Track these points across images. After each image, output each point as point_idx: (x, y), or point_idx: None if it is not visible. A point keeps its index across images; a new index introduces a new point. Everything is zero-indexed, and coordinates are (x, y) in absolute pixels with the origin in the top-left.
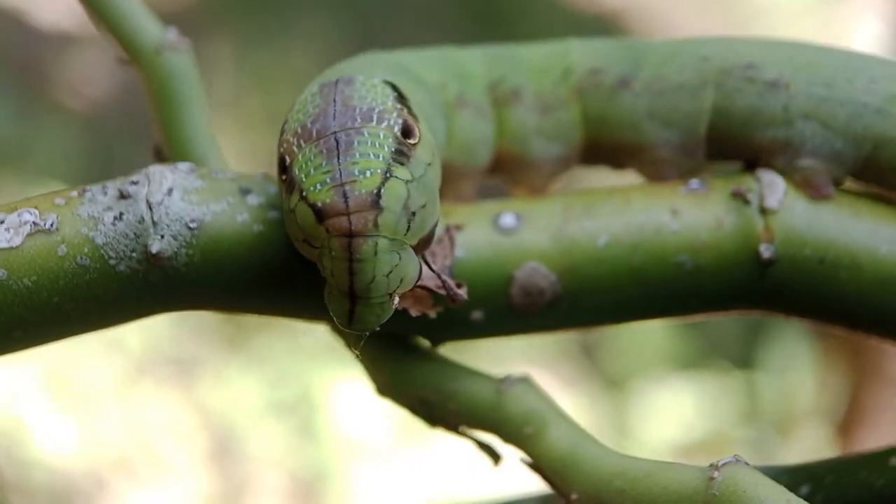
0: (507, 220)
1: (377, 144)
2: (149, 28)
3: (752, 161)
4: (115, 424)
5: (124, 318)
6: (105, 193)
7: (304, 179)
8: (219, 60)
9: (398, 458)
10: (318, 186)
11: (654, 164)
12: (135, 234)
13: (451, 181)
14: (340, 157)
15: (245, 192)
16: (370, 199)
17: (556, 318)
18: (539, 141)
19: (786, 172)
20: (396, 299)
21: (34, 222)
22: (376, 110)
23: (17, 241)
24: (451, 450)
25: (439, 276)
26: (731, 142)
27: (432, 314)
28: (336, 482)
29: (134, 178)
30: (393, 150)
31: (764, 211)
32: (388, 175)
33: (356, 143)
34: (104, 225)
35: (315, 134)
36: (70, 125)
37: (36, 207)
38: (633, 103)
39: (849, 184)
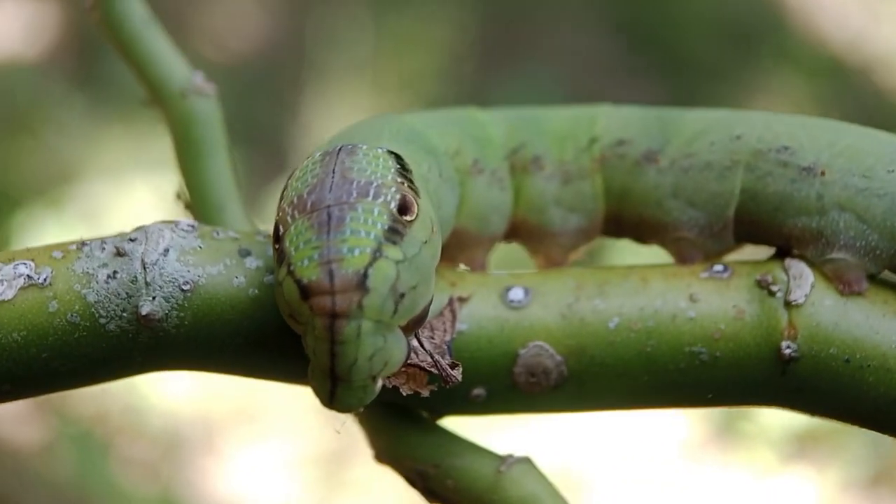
0: (517, 294)
1: (370, 221)
2: (175, 71)
3: (785, 248)
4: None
5: (114, 375)
6: (103, 249)
7: (293, 253)
8: (358, 23)
9: None
10: (306, 262)
11: (678, 244)
12: (127, 293)
13: (463, 248)
14: (331, 234)
15: (244, 254)
16: (356, 279)
17: (562, 400)
18: (558, 211)
19: (816, 264)
20: (380, 382)
21: (28, 275)
22: (374, 184)
23: (9, 294)
24: None
25: (432, 356)
26: (760, 227)
27: (425, 393)
28: None
29: (132, 234)
30: (386, 227)
31: (789, 305)
32: (377, 255)
33: (348, 220)
34: (97, 283)
35: (309, 206)
36: (210, 76)
37: (33, 260)
38: (658, 179)
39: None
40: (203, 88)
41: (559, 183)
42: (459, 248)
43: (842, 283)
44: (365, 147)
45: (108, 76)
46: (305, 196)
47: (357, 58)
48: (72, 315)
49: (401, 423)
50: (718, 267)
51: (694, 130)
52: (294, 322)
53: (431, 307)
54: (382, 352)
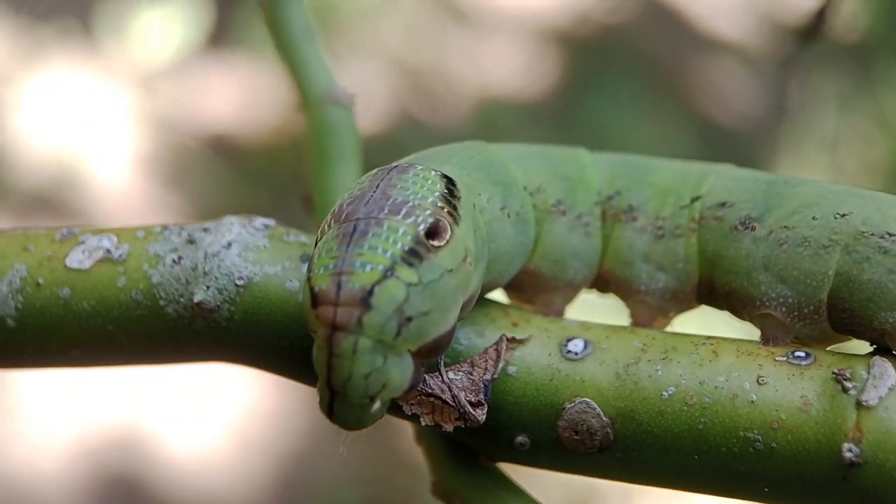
0: (576, 346)
1: (391, 240)
2: (319, 79)
3: (882, 345)
4: None
5: (174, 358)
6: (179, 235)
7: (315, 260)
8: (825, 97)
9: None
10: (321, 270)
11: (765, 322)
12: (186, 280)
13: (539, 291)
14: (350, 246)
15: (305, 259)
16: (360, 294)
17: (608, 465)
18: (645, 267)
19: None
20: (378, 403)
21: (108, 249)
22: (409, 204)
23: (87, 264)
24: None
25: (450, 390)
26: (853, 317)
27: (448, 427)
28: None
29: (209, 224)
30: (406, 248)
31: (860, 405)
32: (388, 274)
33: (370, 234)
34: (163, 265)
35: (344, 216)
36: (700, 134)
37: (117, 235)
38: (751, 249)
39: None
40: (342, 99)
41: (651, 238)
42: (535, 290)
43: None
44: (419, 167)
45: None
46: (345, 206)
47: (819, 134)
48: (136, 292)
49: (458, 460)
50: (800, 353)
51: (800, 202)
52: (309, 329)
53: (481, 343)
54: (379, 372)
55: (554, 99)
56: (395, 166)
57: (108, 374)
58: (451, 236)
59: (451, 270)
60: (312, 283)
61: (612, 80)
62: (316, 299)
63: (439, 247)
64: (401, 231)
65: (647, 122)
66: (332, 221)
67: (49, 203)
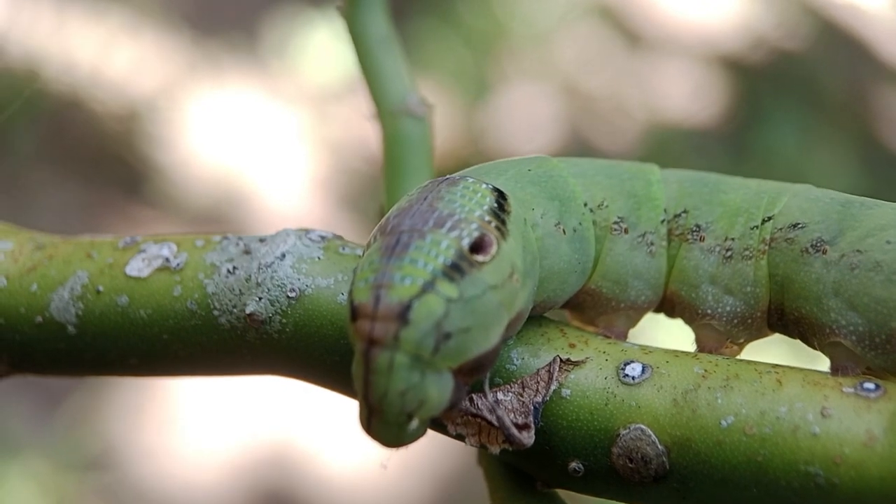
0: (633, 370)
1: (432, 253)
2: (395, 90)
3: None
4: None
5: (229, 370)
6: (237, 245)
7: (357, 273)
8: None
9: None
10: (362, 284)
11: (834, 351)
12: (240, 290)
13: (601, 311)
14: (391, 259)
15: None
16: (399, 308)
17: (664, 496)
18: (712, 290)
19: None
20: (415, 422)
21: (167, 258)
22: (454, 218)
23: (145, 272)
24: None
25: (494, 412)
26: None
27: (494, 449)
28: None
29: (267, 236)
30: (449, 263)
31: None
32: (427, 288)
33: (412, 247)
34: (219, 275)
35: (390, 228)
36: (876, 162)
37: (177, 244)
38: (821, 273)
39: None
40: (416, 111)
41: (718, 259)
42: (596, 310)
43: None
44: (471, 180)
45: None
46: (391, 218)
47: None
48: (191, 302)
49: (516, 485)
50: (869, 384)
51: (874, 225)
52: (351, 342)
53: (534, 364)
54: (416, 389)
55: (725, 124)
56: (447, 179)
57: (266, 390)
58: (497, 251)
59: (495, 287)
60: (353, 297)
61: (784, 106)
62: (355, 313)
63: (483, 262)
64: (444, 245)
65: (820, 150)
66: (378, 234)
67: (216, 220)
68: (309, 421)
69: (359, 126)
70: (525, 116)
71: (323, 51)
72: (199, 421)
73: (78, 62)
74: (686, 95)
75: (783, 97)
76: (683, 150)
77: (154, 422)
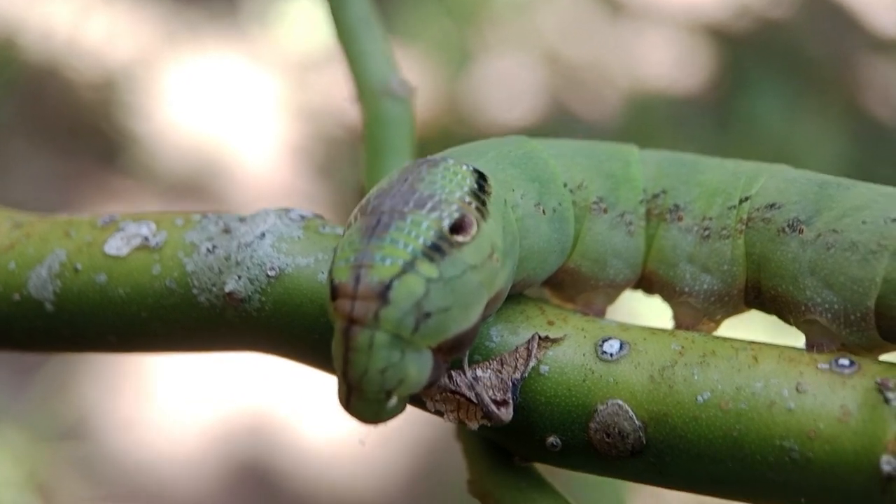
0: (611, 346)
1: (413, 234)
2: (375, 70)
3: None
4: None
5: (206, 347)
6: (217, 224)
7: (337, 252)
8: None
9: None
10: (342, 263)
11: (810, 328)
12: (219, 269)
13: (580, 290)
14: (372, 239)
15: None
16: (379, 288)
17: (640, 470)
18: (690, 269)
19: None
20: (394, 399)
21: (146, 237)
22: (434, 198)
23: (124, 251)
24: None
25: (473, 388)
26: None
27: (472, 426)
28: None
29: (247, 215)
30: (428, 244)
31: None
32: (407, 268)
33: (392, 228)
34: (198, 254)
35: (370, 209)
36: (861, 132)
37: (156, 223)
38: (797, 252)
39: None
40: (398, 92)
41: (696, 238)
42: (575, 288)
43: None
44: (451, 162)
45: None
46: (372, 199)
47: None
48: (170, 280)
49: (494, 459)
50: (844, 360)
51: (850, 205)
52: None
53: (513, 341)
54: (396, 368)
55: (709, 94)
56: (427, 160)
57: (242, 362)
58: (477, 232)
59: (475, 266)
60: (333, 276)
61: (769, 75)
62: (335, 292)
63: (464, 242)
64: (424, 225)
65: (804, 120)
66: (359, 214)
67: (194, 190)
68: (286, 392)
69: (338, 94)
70: (507, 86)
71: (303, 18)
72: (175, 391)
73: (54, 30)
74: (669, 64)
75: (768, 66)
76: (666, 120)
77: (129, 392)
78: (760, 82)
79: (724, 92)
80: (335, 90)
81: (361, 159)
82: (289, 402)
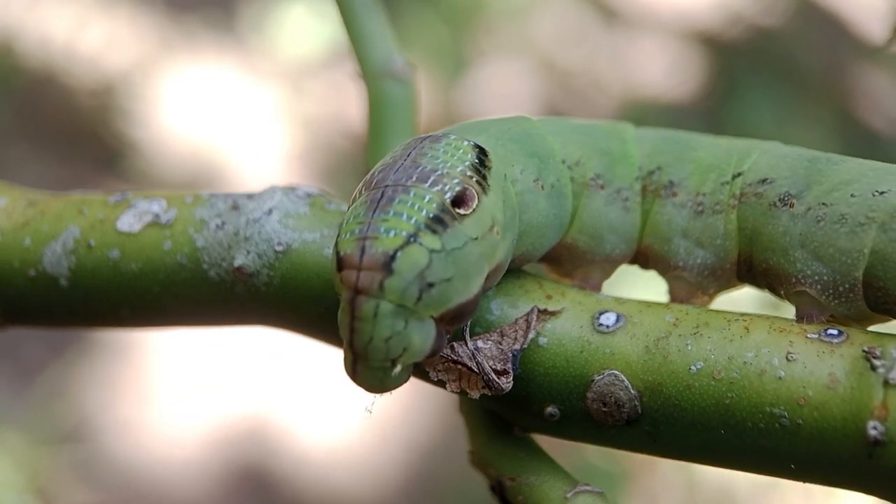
0: (608, 319)
1: (416, 207)
2: (378, 52)
3: None
4: None
5: (216, 321)
6: (225, 201)
7: (343, 225)
8: None
9: None
10: (347, 235)
11: (800, 299)
12: (229, 244)
13: (577, 264)
14: (376, 212)
15: None
16: (383, 259)
17: (636, 438)
18: (684, 243)
19: None
20: (399, 367)
21: (157, 214)
22: (437, 172)
23: (136, 227)
24: None
25: (474, 358)
26: (888, 296)
27: (473, 394)
28: None
29: (255, 193)
30: (431, 216)
31: (887, 384)
32: (411, 240)
33: (396, 201)
34: (208, 230)
35: (374, 183)
36: (853, 140)
37: (166, 200)
38: (788, 226)
39: None
40: (400, 73)
41: (690, 214)
42: (573, 263)
43: None
44: (452, 137)
45: None
46: (376, 174)
47: None
48: (181, 256)
49: (494, 430)
50: (832, 331)
51: (840, 179)
52: (336, 292)
53: (513, 314)
54: (401, 336)
55: (701, 101)
56: (430, 136)
57: (243, 365)
58: (478, 205)
59: (476, 239)
60: (338, 248)
61: (761, 83)
62: (341, 263)
63: (465, 215)
64: (426, 198)
65: (796, 128)
66: (364, 188)
67: None
68: (285, 395)
69: (336, 102)
70: (502, 92)
71: (300, 26)
72: (174, 395)
73: (52, 36)
74: (663, 71)
75: (760, 74)
76: (659, 126)
77: (129, 395)
78: (752, 90)
79: (716, 99)
80: (332, 97)
81: (364, 147)
82: (287, 404)
